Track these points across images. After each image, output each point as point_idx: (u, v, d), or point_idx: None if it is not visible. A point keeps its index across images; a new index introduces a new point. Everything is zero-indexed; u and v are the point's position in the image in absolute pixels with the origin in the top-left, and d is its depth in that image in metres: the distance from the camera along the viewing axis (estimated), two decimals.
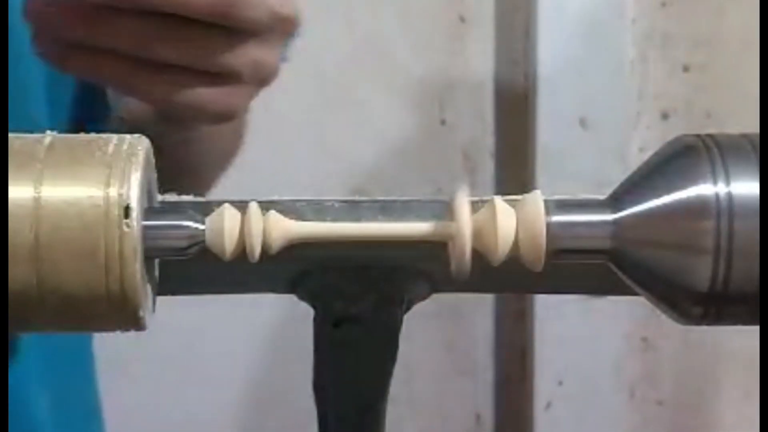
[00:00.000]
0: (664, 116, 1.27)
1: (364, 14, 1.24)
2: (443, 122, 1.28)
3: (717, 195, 0.38)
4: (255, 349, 1.29)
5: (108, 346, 0.75)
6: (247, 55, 0.53)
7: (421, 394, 1.30)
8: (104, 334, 0.39)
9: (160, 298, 0.40)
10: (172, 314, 0.47)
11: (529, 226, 0.39)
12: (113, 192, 0.36)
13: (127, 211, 0.35)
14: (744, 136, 0.40)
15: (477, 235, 0.38)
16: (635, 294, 0.41)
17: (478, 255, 0.38)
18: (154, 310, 0.39)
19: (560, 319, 1.24)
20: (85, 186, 0.36)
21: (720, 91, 1.27)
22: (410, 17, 1.25)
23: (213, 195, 0.73)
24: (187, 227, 0.38)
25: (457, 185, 0.38)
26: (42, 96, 0.66)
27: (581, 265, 0.41)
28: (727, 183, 0.39)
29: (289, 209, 0.40)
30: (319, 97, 1.24)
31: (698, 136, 0.40)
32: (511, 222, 0.39)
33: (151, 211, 0.38)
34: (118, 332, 0.38)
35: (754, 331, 0.41)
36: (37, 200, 0.35)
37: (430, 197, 0.43)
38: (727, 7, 1.25)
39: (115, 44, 0.51)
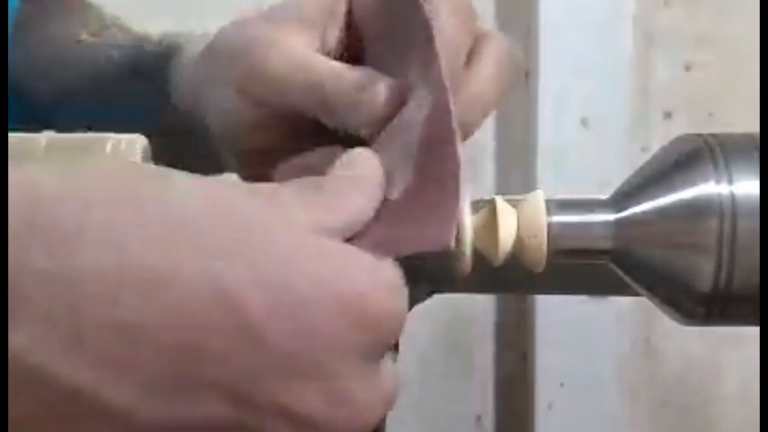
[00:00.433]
0: (667, 115, 1.27)
1: None
2: None
3: (720, 195, 0.38)
4: None
5: None
6: None
7: (421, 395, 1.29)
8: None
9: None
10: None
11: (531, 226, 0.39)
12: None
13: None
14: (747, 135, 0.40)
15: (478, 235, 0.38)
16: (637, 294, 0.41)
17: (478, 255, 0.38)
18: None
19: (562, 320, 1.24)
20: None
21: (722, 90, 1.26)
22: None
23: None
24: None
25: None
26: None
27: (583, 266, 0.41)
28: (730, 183, 0.38)
29: None
30: None
31: (701, 135, 0.40)
32: (512, 222, 0.39)
33: None
34: None
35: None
36: None
37: None
38: (729, 6, 1.25)
39: None
